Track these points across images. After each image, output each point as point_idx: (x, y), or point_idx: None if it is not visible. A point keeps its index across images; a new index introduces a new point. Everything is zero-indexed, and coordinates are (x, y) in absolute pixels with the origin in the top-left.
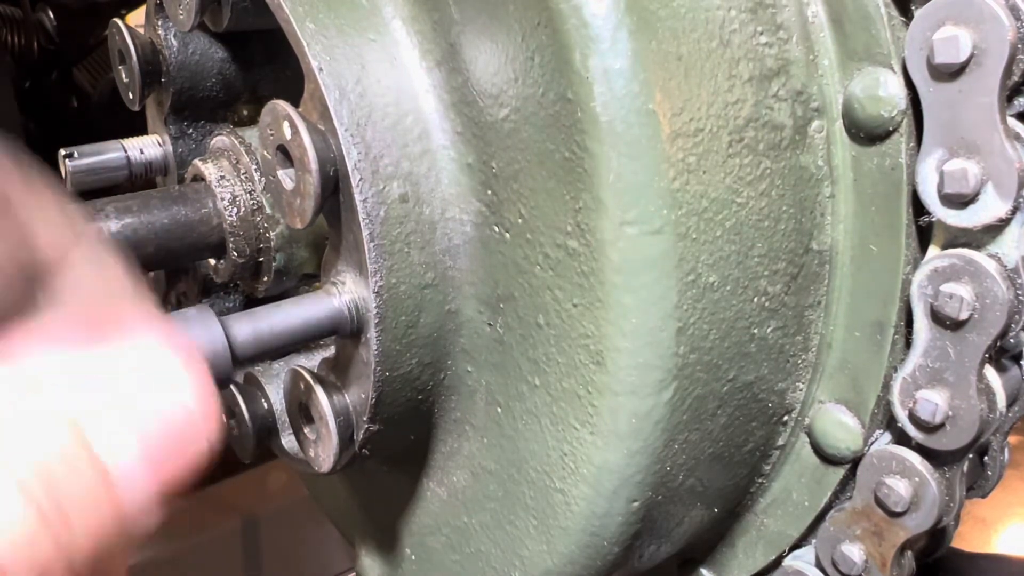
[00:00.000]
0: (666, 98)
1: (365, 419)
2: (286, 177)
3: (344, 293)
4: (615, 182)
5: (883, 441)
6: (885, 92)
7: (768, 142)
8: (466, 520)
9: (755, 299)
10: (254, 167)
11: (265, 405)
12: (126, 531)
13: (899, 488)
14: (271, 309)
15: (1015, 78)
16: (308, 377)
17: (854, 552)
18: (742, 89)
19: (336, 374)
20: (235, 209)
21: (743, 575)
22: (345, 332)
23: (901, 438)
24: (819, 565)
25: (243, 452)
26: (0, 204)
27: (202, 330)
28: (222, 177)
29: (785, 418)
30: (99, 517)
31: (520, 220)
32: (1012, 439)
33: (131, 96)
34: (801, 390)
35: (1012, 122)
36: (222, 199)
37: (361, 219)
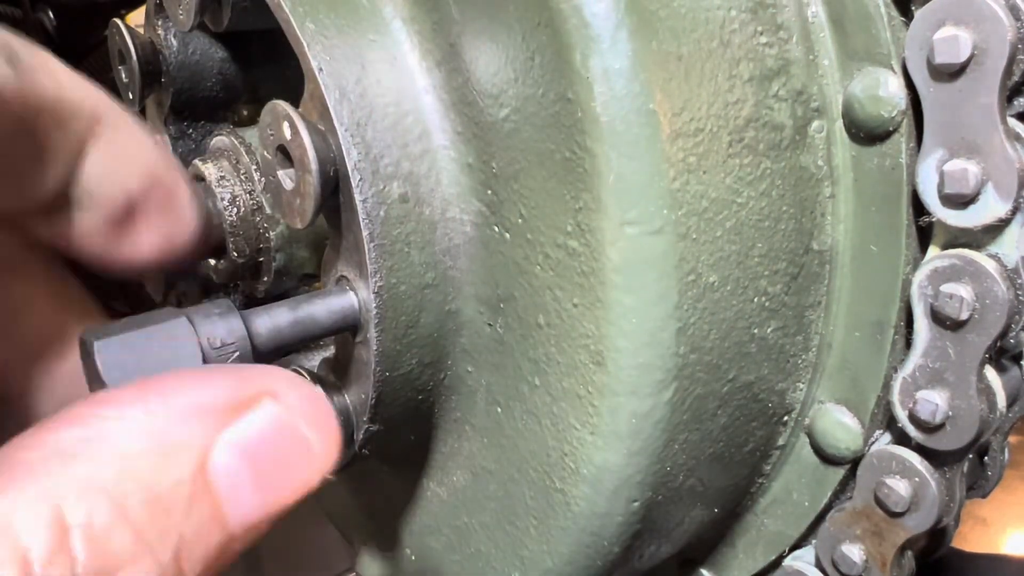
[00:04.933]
0: (666, 98)
1: (365, 419)
2: (286, 177)
3: (358, 291)
4: (615, 182)
5: (883, 441)
6: (885, 92)
7: (768, 142)
8: (466, 520)
9: (755, 299)
10: (254, 167)
11: None
12: (231, 556)
13: (899, 488)
14: (290, 304)
15: (1015, 78)
16: (308, 377)
17: (854, 552)
18: (742, 89)
19: (336, 374)
20: (235, 209)
21: (743, 575)
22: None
23: (901, 438)
24: (819, 565)
25: None
26: None
27: (222, 323)
28: (222, 177)
29: (785, 418)
30: (207, 548)
31: (520, 220)
32: (1012, 439)
33: (131, 96)
34: (801, 390)
35: (1012, 122)
36: (222, 199)
37: (361, 219)
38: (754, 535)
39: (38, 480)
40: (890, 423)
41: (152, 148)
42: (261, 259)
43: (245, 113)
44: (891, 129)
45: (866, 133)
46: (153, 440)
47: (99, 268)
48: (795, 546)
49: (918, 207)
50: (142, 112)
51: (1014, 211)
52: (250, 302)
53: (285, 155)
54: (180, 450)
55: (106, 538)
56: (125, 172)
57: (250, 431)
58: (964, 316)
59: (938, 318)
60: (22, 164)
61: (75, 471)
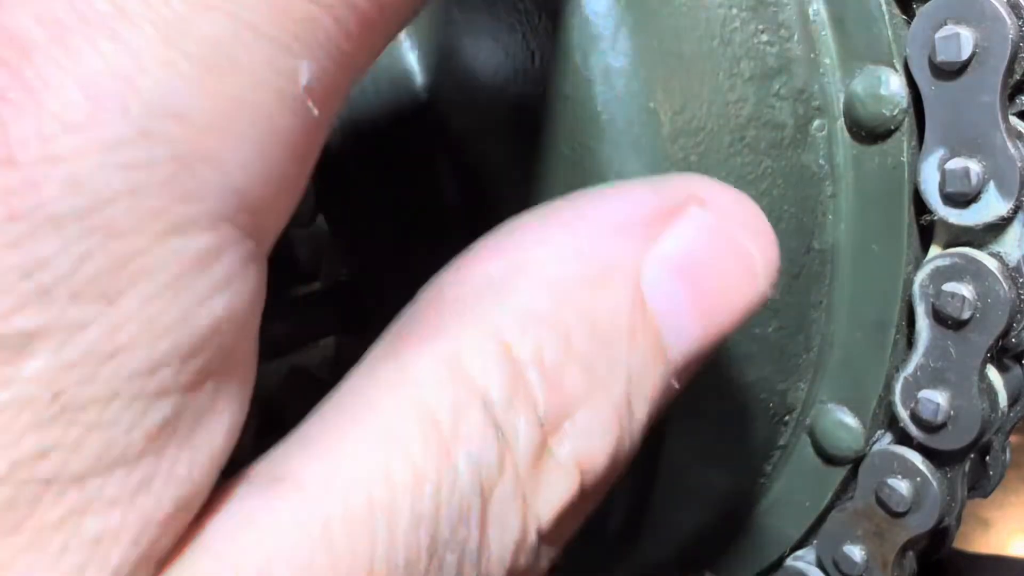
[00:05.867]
0: (667, 97)
1: None
2: None
3: None
4: (616, 181)
5: (884, 441)
6: (887, 91)
7: (769, 141)
8: None
9: None
10: None
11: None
12: (670, 396)
13: (900, 488)
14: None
15: (1017, 76)
16: (308, 377)
17: (855, 552)
18: (743, 88)
19: (336, 374)
20: None
21: (745, 575)
22: None
23: (902, 438)
24: (820, 565)
25: (242, 451)
26: None
27: None
28: None
29: (786, 418)
30: (652, 386)
31: None
32: (1014, 439)
33: None
34: (802, 390)
35: (1014, 121)
36: None
37: None
38: (755, 535)
39: (477, 315)
40: (891, 423)
41: None
42: None
43: None
44: (892, 128)
45: (867, 132)
46: (582, 263)
47: None
48: (796, 546)
49: (919, 206)
50: None
51: (1016, 210)
52: None
53: None
54: (612, 272)
55: (559, 374)
56: None
57: (682, 243)
58: (966, 315)
59: (939, 317)
60: None
61: (512, 303)
